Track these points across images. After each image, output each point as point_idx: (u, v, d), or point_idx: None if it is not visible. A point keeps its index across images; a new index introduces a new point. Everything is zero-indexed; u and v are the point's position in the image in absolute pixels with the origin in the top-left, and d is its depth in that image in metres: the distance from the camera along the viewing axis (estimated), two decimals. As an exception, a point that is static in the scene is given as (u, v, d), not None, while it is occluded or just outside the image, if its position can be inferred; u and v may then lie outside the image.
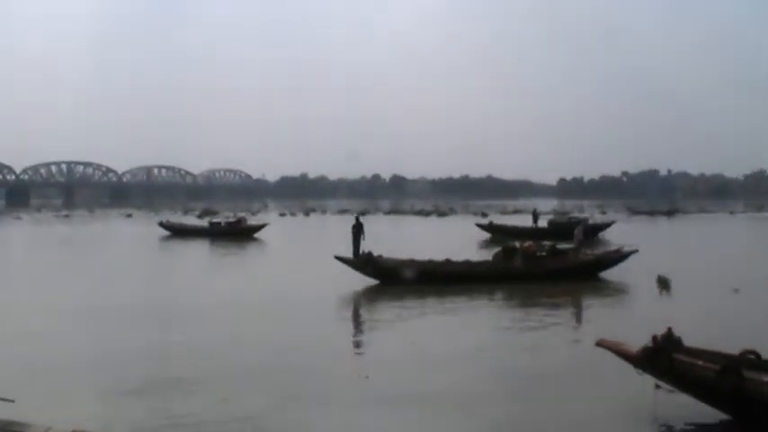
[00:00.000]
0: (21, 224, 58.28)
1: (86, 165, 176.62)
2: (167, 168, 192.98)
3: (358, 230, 23.35)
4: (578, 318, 15.69)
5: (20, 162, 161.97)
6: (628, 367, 8.10)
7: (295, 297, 17.08)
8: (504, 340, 12.66)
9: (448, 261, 19.42)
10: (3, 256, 31.17)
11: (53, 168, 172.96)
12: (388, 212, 75.53)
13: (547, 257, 19.71)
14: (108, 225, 56.70)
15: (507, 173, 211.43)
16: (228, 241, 36.28)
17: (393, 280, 18.73)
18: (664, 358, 7.67)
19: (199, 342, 12.11)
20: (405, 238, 37.58)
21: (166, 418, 8.11)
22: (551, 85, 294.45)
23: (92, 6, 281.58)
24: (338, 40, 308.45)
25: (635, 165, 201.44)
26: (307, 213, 72.90)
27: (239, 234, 39.39)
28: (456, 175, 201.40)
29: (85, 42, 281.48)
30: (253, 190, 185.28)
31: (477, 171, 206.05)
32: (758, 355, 7.80)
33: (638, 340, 8.03)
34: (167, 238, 40.06)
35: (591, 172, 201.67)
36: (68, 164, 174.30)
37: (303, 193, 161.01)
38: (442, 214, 69.32)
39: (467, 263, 19.68)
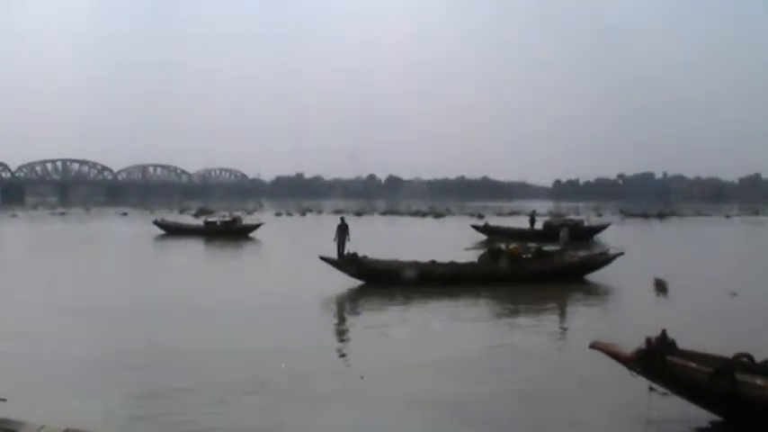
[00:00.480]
0: (18, 222, 58.12)
1: (82, 163, 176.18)
2: (163, 167, 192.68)
3: (343, 231, 23.39)
4: (563, 320, 15.69)
5: (15, 160, 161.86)
6: (621, 369, 8.11)
7: (286, 297, 17.09)
8: (494, 342, 12.62)
9: (433, 262, 19.29)
10: (3, 254, 31.08)
11: (48, 166, 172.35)
12: (385, 213, 75.60)
13: (532, 259, 19.73)
14: (104, 223, 56.55)
15: (503, 174, 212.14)
16: (223, 240, 36.29)
17: (378, 281, 18.71)
18: (657, 361, 7.69)
19: (191, 343, 12.07)
20: (400, 238, 37.64)
21: (159, 416, 8.09)
22: (548, 88, 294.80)
23: (92, 6, 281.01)
24: (337, 43, 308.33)
25: (630, 167, 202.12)
26: (303, 213, 72.88)
27: (234, 233, 39.40)
28: (452, 176, 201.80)
29: (82, 41, 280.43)
30: (248, 189, 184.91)
31: (472, 172, 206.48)
32: (751, 359, 7.83)
33: (634, 343, 8.04)
34: (162, 236, 40.01)
35: (586, 174, 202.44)
36: (64, 162, 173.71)
37: (298, 193, 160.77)
38: (438, 215, 69.35)
39: (452, 264, 19.52)
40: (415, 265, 19.11)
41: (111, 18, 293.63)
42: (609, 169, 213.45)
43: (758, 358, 7.83)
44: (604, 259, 21.01)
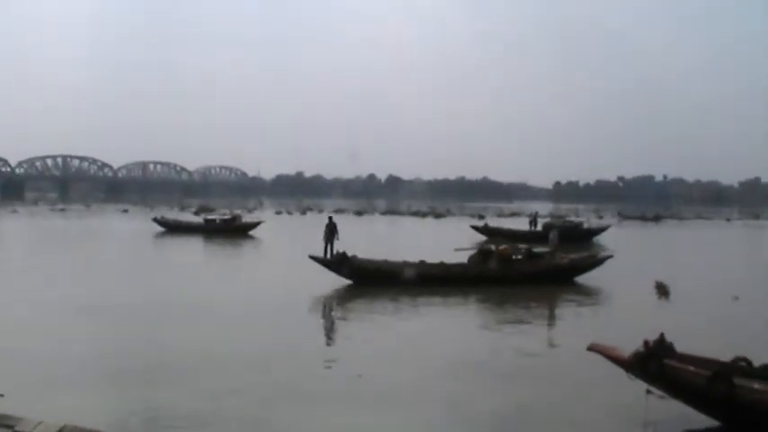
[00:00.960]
0: (18, 217, 58.12)
1: (82, 159, 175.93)
2: (163, 164, 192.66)
3: (331, 231, 23.37)
4: (556, 322, 15.67)
5: (15, 155, 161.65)
6: (619, 372, 8.11)
7: (281, 297, 17.07)
8: (490, 343, 12.62)
9: (422, 262, 19.22)
10: (2, 251, 31.06)
11: (48, 162, 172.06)
12: (385, 213, 75.58)
13: (522, 261, 19.72)
14: (104, 220, 56.54)
15: (503, 175, 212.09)
16: (223, 238, 36.25)
17: (366, 280, 18.68)
18: (655, 364, 7.68)
19: (188, 342, 12.07)
20: (398, 238, 37.59)
21: (156, 412, 8.09)
22: (549, 90, 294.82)
23: (91, 6, 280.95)
24: (337, 43, 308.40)
25: (631, 170, 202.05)
26: (303, 212, 72.87)
27: (234, 231, 39.39)
28: (452, 176, 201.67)
29: (83, 39, 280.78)
30: (248, 187, 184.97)
31: (472, 173, 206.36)
32: (749, 363, 7.83)
33: (632, 346, 8.02)
34: (162, 234, 40.00)
35: (587, 176, 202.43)
36: (64, 158, 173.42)
37: (299, 192, 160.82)
38: (438, 216, 69.36)
39: (442, 265, 19.42)
40: (405, 265, 19.05)
41: (112, 18, 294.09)
42: (609, 172, 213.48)
43: (758, 363, 7.84)
44: (594, 261, 21.03)
